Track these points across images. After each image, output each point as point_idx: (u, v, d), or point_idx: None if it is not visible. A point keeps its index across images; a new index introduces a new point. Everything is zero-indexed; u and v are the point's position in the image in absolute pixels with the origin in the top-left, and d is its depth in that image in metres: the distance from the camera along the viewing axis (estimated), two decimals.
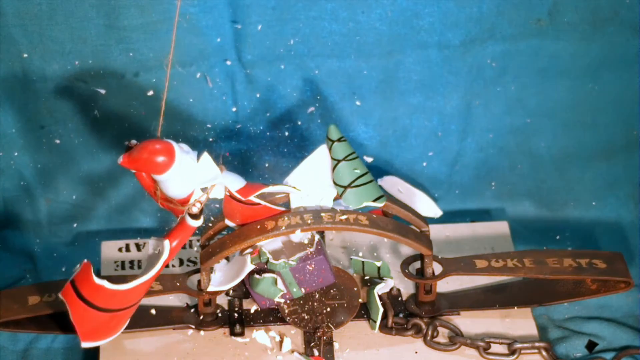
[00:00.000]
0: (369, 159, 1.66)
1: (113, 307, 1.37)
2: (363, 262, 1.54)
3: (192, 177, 1.35)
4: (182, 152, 1.34)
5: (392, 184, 1.60)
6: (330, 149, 1.43)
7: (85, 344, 1.38)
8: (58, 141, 1.68)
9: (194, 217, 1.38)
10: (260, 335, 1.50)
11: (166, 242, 1.38)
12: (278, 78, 1.68)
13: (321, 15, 1.63)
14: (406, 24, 1.64)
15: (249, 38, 1.64)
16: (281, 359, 1.48)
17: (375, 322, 1.49)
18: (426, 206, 1.57)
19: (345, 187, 1.44)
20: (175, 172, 1.33)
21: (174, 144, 1.33)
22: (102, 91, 1.62)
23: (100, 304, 1.35)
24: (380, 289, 1.52)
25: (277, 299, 1.50)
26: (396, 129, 1.73)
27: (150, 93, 1.62)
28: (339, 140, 1.43)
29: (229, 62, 1.66)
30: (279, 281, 1.48)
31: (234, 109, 1.70)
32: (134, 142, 1.34)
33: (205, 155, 1.37)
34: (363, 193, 1.44)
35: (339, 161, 1.43)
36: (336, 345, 1.49)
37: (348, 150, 1.43)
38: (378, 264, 1.52)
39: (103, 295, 1.35)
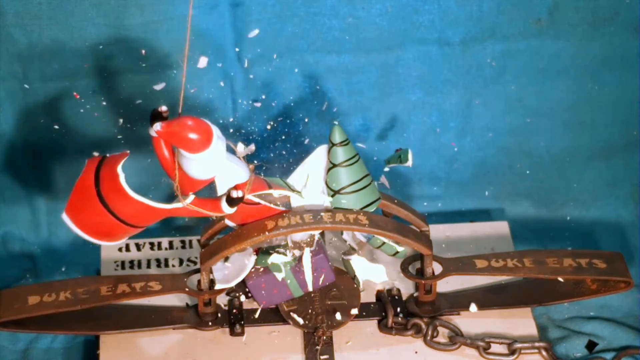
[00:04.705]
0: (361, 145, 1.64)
1: (117, 210, 1.34)
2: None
3: (219, 164, 1.33)
4: (218, 138, 1.31)
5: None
6: (329, 150, 1.43)
7: (66, 217, 1.35)
8: (58, 141, 1.69)
9: (232, 202, 1.35)
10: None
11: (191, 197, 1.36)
12: (278, 74, 1.68)
13: (321, 11, 1.63)
14: (406, 19, 1.64)
15: (249, 36, 1.64)
16: (281, 359, 1.48)
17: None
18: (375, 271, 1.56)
19: (336, 192, 1.43)
20: (206, 155, 1.31)
21: (212, 127, 1.31)
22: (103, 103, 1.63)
23: (109, 199, 1.33)
24: (373, 272, 1.51)
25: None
26: (394, 124, 1.74)
27: (156, 89, 1.63)
28: (340, 143, 1.43)
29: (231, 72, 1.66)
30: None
31: (233, 106, 1.70)
32: (164, 108, 1.31)
33: (240, 149, 1.37)
34: (353, 200, 1.44)
35: (334, 165, 1.42)
36: (336, 345, 1.49)
37: (349, 154, 1.42)
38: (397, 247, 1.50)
39: (117, 194, 1.32)
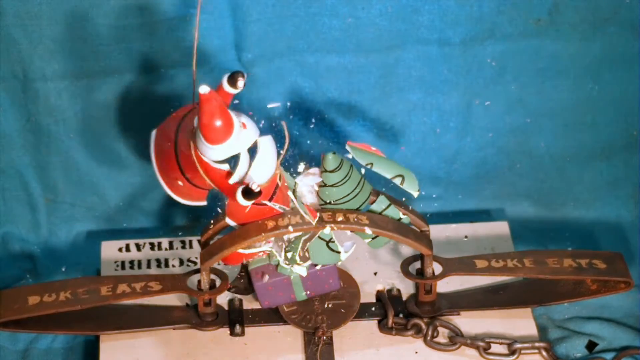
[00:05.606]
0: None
1: (179, 142, 1.36)
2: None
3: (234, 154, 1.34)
4: (239, 135, 1.31)
5: None
6: (322, 173, 1.42)
7: (153, 134, 1.40)
8: (58, 141, 1.69)
9: (250, 195, 1.34)
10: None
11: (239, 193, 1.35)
12: (278, 74, 1.68)
13: (321, 11, 1.63)
14: (406, 20, 1.64)
15: (248, 37, 1.64)
16: (281, 359, 1.48)
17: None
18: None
19: (327, 203, 1.44)
20: (219, 148, 1.31)
21: (235, 125, 1.31)
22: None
23: (181, 129, 1.35)
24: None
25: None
26: (394, 124, 1.74)
27: (155, 93, 1.63)
28: (334, 170, 1.41)
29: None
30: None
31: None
32: (241, 82, 1.32)
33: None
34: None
35: (326, 185, 1.43)
36: (336, 345, 1.49)
37: (342, 176, 1.42)
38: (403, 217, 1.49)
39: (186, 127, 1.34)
